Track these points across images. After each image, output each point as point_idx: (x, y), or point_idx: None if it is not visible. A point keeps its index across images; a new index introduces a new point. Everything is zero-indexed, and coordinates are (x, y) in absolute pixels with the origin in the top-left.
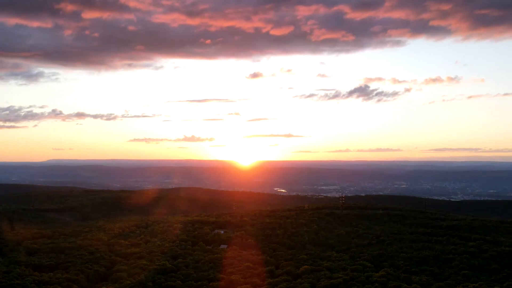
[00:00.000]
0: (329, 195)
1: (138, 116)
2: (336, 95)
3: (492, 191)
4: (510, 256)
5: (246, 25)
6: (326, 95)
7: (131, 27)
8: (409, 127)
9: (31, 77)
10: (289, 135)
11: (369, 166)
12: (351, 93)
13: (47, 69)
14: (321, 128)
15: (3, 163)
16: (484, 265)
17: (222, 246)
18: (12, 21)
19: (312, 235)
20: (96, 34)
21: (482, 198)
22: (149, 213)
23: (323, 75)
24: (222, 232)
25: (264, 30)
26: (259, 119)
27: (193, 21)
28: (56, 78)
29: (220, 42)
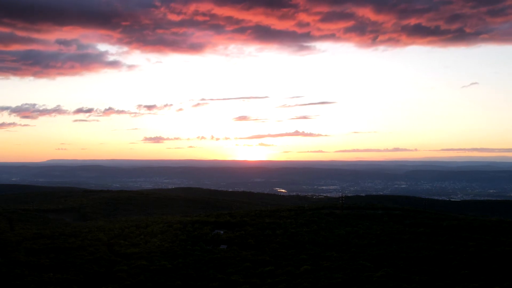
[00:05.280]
0: (329, 195)
1: (163, 114)
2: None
3: (492, 191)
4: (510, 256)
5: None
6: None
7: None
8: (410, 127)
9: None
10: (311, 135)
11: (369, 166)
12: None
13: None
14: (343, 126)
15: (2, 163)
16: (484, 265)
17: (222, 247)
18: None
19: (312, 235)
20: None
21: (482, 198)
22: (149, 213)
23: None
24: (222, 232)
25: None
26: (300, 118)
27: None
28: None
29: None
